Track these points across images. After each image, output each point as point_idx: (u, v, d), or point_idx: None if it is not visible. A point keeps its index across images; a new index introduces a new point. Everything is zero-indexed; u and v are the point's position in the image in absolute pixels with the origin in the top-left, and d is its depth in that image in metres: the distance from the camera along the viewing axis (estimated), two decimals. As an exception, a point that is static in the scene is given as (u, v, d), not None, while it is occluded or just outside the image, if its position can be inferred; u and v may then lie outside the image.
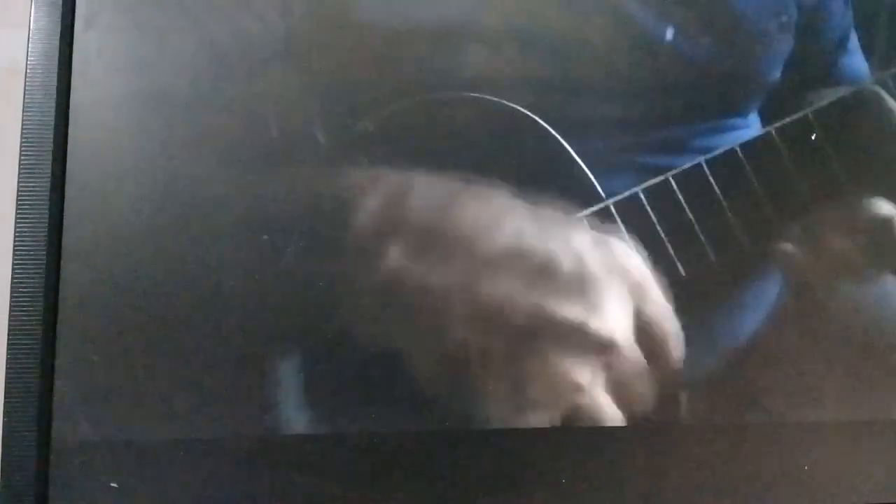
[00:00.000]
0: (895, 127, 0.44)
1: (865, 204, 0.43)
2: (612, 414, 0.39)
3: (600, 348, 0.39)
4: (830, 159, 0.43)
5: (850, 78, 0.44)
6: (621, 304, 0.40)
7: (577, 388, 0.39)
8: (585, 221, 0.40)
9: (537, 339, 0.39)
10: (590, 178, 0.40)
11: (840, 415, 0.41)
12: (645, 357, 0.39)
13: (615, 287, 0.39)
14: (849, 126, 0.43)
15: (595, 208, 0.40)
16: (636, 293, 0.40)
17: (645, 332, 0.40)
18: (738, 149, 0.42)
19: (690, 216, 0.41)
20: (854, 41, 0.44)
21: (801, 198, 0.42)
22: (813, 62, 0.44)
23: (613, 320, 0.39)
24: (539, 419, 0.39)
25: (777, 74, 0.43)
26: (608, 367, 0.39)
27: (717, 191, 0.41)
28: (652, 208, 0.40)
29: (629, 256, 0.40)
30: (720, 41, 0.42)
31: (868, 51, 0.44)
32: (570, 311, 0.39)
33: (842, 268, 0.42)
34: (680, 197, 0.41)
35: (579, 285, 0.39)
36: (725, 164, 0.41)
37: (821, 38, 0.44)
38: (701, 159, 0.41)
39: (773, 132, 0.42)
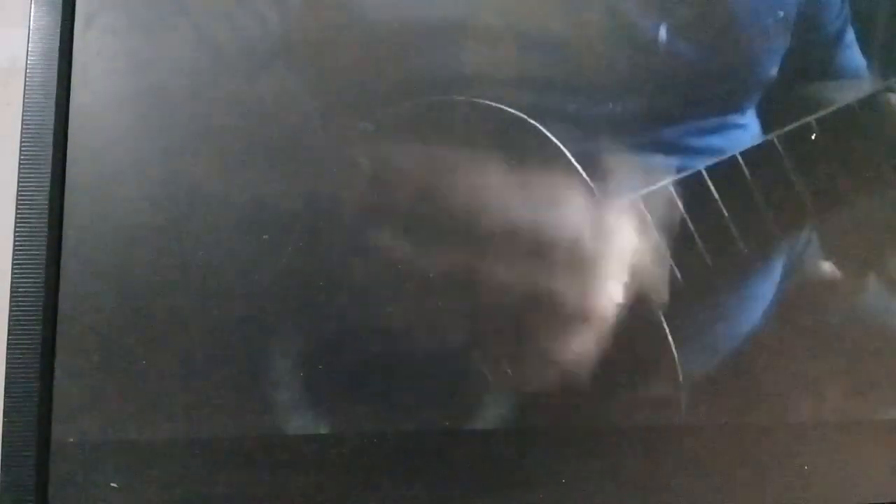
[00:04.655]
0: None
1: (865, 208, 0.43)
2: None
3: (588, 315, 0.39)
4: (831, 166, 0.42)
5: (847, 74, 0.44)
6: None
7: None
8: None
9: (537, 328, 0.39)
10: (586, 180, 0.40)
11: (840, 415, 0.41)
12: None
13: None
14: (850, 134, 0.43)
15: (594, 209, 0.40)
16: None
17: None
18: (738, 156, 0.41)
19: (689, 221, 0.41)
20: (851, 36, 0.44)
21: (801, 202, 0.42)
22: (810, 58, 0.43)
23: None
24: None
25: (774, 71, 0.43)
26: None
27: (717, 197, 0.41)
28: (652, 213, 0.40)
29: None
30: (717, 39, 0.42)
31: (868, 56, 0.44)
32: (564, 287, 0.39)
33: (842, 269, 0.42)
34: (679, 203, 0.41)
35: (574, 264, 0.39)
36: (725, 171, 0.41)
37: (818, 34, 0.44)
38: (701, 167, 0.41)
39: (775, 139, 0.42)
